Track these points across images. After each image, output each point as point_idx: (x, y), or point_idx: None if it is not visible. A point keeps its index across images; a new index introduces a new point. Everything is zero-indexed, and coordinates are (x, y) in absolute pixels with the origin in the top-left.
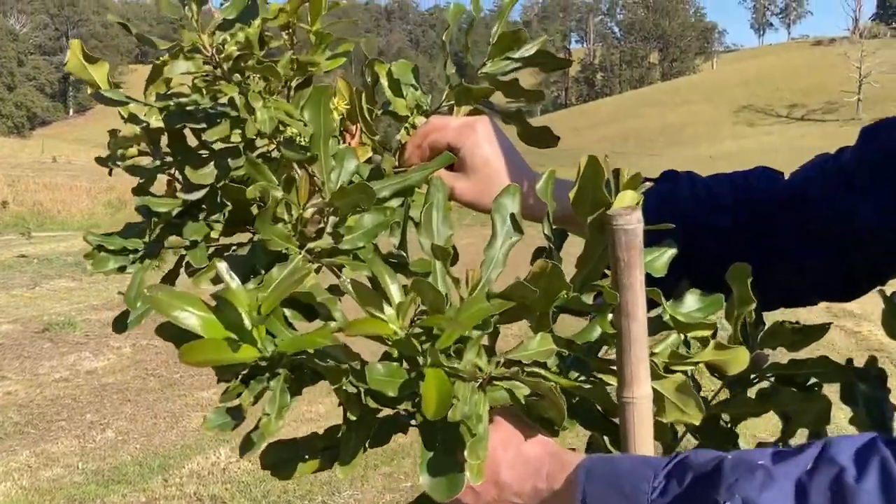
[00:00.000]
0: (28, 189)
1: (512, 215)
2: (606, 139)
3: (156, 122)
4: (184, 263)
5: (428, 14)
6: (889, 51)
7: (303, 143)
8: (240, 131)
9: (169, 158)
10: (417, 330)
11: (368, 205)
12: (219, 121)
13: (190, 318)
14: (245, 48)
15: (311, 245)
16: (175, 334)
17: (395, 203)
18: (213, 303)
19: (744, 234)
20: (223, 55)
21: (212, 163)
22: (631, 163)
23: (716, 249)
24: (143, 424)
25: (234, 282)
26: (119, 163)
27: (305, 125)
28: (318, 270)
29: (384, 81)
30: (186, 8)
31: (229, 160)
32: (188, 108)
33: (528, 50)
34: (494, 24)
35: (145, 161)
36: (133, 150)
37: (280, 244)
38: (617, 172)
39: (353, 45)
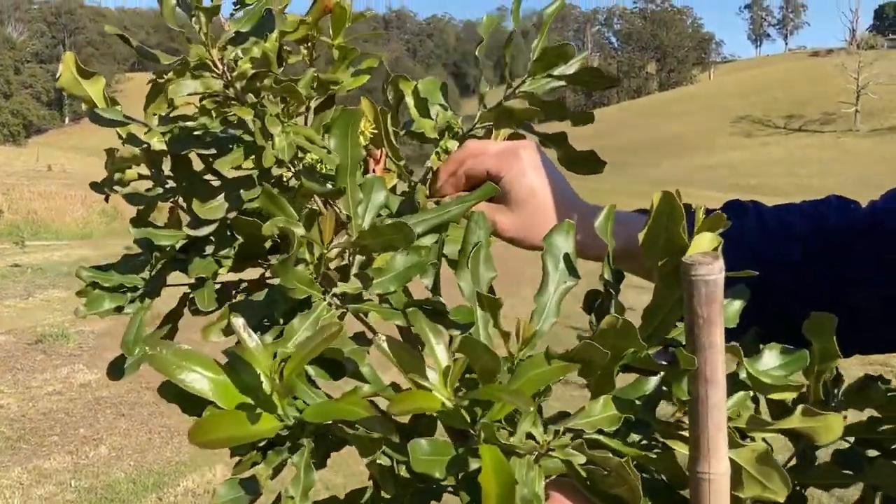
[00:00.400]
0: (23, 197)
1: (566, 256)
2: (606, 149)
3: (158, 143)
4: (187, 302)
5: (426, 24)
6: (886, 62)
7: (324, 171)
8: (254, 158)
9: (172, 184)
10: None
11: (405, 246)
12: (230, 146)
13: (200, 382)
14: (261, 65)
15: (336, 290)
16: (180, 395)
17: (429, 240)
18: (225, 360)
19: (815, 265)
20: (236, 73)
21: (222, 194)
22: (632, 174)
23: (787, 283)
24: (138, 440)
25: (252, 340)
26: (117, 187)
27: (329, 152)
28: (341, 316)
29: (409, 100)
30: (194, 19)
31: (242, 191)
32: (195, 132)
33: (570, 67)
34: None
35: (145, 186)
36: (132, 173)
37: (303, 291)
38: (690, 209)
39: (378, 60)
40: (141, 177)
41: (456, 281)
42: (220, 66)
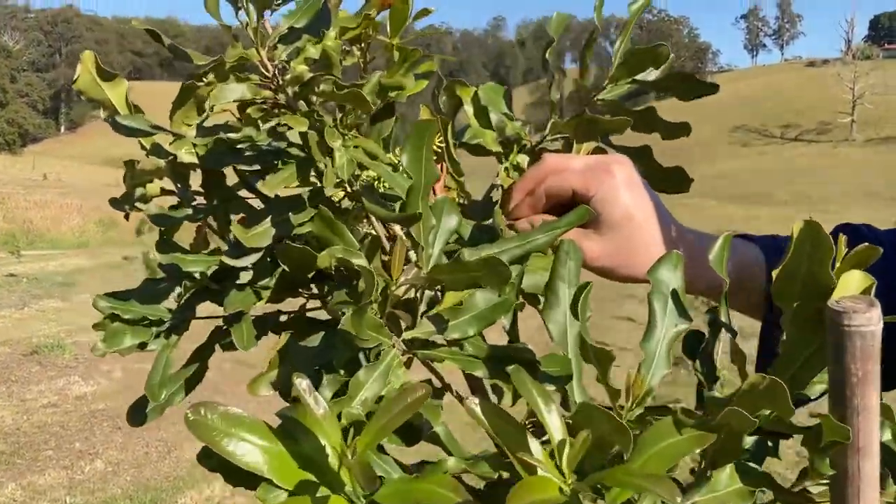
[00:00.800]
0: (18, 206)
1: (675, 294)
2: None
3: (186, 155)
4: (218, 335)
5: (421, 34)
6: (882, 72)
7: (385, 190)
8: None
9: (201, 200)
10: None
11: (498, 287)
12: (275, 162)
13: (252, 455)
14: (320, 67)
15: (406, 335)
16: (225, 465)
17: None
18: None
19: None
20: (289, 76)
21: (268, 218)
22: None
23: None
24: (135, 454)
25: (319, 407)
26: (138, 204)
27: (394, 168)
28: (407, 362)
29: (468, 108)
30: (241, 12)
31: (291, 214)
32: (238, 145)
33: (650, 72)
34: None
35: (168, 202)
36: (155, 188)
37: (374, 339)
38: (827, 237)
39: (436, 63)
40: (164, 192)
41: (543, 322)
42: (269, 68)
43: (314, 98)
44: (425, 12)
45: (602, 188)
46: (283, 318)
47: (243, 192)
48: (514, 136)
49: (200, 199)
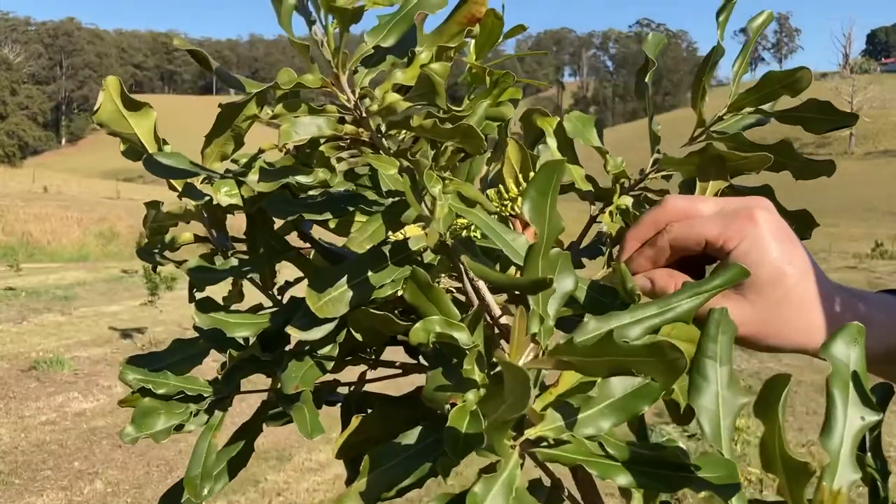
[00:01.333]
0: (18, 219)
1: (856, 377)
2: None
3: (224, 197)
4: (267, 409)
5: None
6: (879, 86)
7: (477, 240)
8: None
9: (241, 249)
10: None
11: (666, 378)
12: (349, 208)
13: None
14: (418, 96)
15: (531, 433)
16: None
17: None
18: None
19: None
20: (376, 107)
21: (343, 279)
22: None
23: None
24: (135, 474)
25: None
26: (168, 253)
27: (499, 217)
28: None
29: (551, 141)
30: (315, 27)
31: (371, 273)
32: (311, 191)
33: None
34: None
35: (189, 251)
36: (187, 235)
37: (498, 445)
38: None
39: (520, 90)
40: (198, 239)
41: (694, 411)
42: (350, 97)
43: (399, 133)
44: (520, 29)
45: (745, 240)
46: (341, 389)
47: (292, 240)
48: (619, 174)
49: (241, 249)
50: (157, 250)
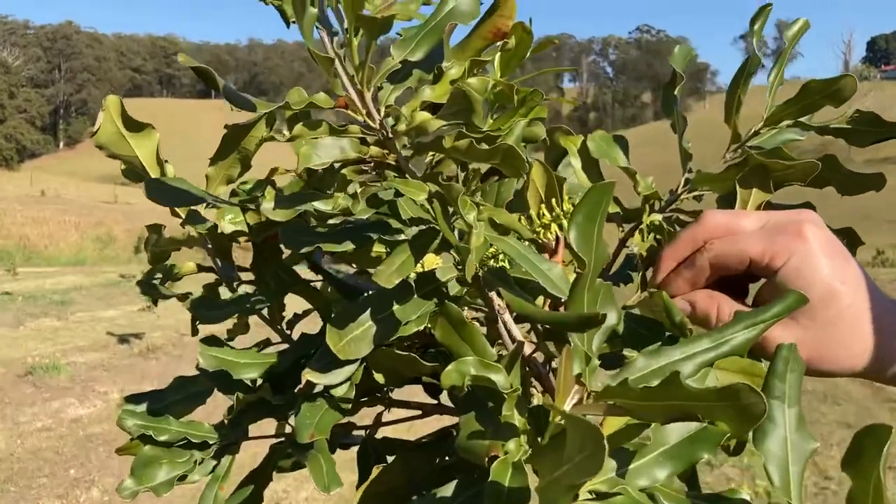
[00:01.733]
0: (15, 222)
1: None
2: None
3: (229, 224)
4: (278, 456)
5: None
6: (880, 93)
7: (510, 271)
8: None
9: (247, 280)
10: None
11: (741, 427)
12: (368, 236)
13: None
14: (452, 114)
15: (587, 486)
16: None
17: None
18: None
19: None
20: (404, 127)
21: (366, 314)
22: (637, 204)
23: None
24: None
25: None
26: (167, 285)
27: (538, 246)
28: None
29: (575, 162)
30: (337, 38)
31: (396, 307)
32: (330, 219)
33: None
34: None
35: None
36: (190, 266)
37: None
38: None
39: (545, 109)
40: (201, 269)
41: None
42: (376, 117)
43: (425, 156)
44: (549, 42)
45: (794, 256)
46: (357, 432)
47: (303, 272)
48: (651, 193)
49: (248, 280)
50: (157, 278)
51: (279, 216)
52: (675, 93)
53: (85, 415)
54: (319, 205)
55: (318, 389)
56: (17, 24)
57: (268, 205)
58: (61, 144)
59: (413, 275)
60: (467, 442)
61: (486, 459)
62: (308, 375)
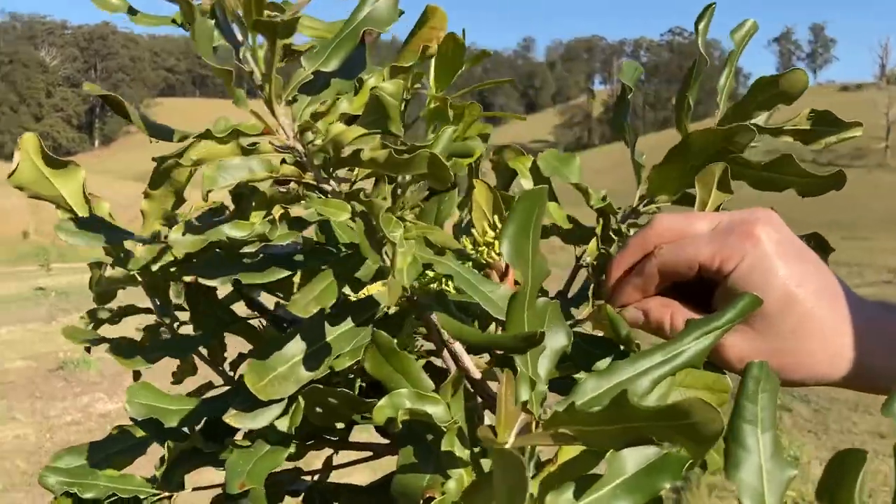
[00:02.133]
0: (50, 219)
1: None
2: (629, 180)
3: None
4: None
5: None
6: None
7: (455, 297)
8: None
9: (183, 320)
10: None
11: (698, 449)
12: (294, 264)
13: None
14: (371, 122)
15: None
16: None
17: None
18: None
19: None
20: (320, 141)
21: (292, 347)
22: (663, 208)
23: None
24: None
25: None
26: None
27: (475, 263)
28: None
29: (525, 182)
30: (244, 50)
31: (330, 339)
32: (245, 247)
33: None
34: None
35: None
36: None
37: None
38: None
39: (489, 127)
40: (140, 310)
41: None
42: (289, 133)
43: (355, 174)
44: (484, 55)
45: (744, 261)
46: (305, 477)
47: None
48: (604, 207)
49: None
50: (106, 318)
51: (186, 246)
52: (629, 96)
53: (113, 409)
54: (231, 230)
55: (252, 434)
56: (55, 25)
57: (175, 235)
58: (97, 143)
59: (353, 299)
60: (404, 484)
61: (422, 502)
62: (229, 419)
